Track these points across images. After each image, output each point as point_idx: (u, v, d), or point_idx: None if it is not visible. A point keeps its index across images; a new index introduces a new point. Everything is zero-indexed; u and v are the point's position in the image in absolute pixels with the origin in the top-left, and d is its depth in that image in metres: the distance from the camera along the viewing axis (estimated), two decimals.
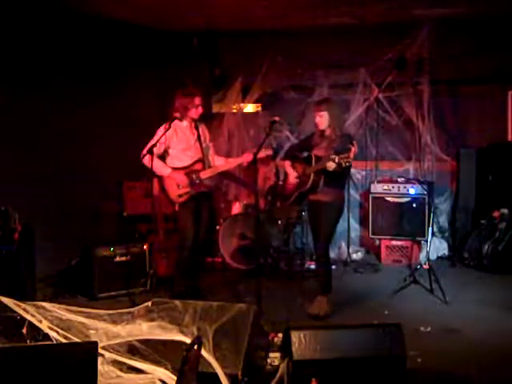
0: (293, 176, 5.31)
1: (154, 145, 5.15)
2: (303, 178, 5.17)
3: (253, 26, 7.29)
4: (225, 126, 7.83)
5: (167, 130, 5.16)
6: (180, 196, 5.29)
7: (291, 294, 5.73)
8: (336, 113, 5.15)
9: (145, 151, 5.16)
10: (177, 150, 5.32)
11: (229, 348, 3.56)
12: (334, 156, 4.76)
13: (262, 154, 5.12)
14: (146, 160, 5.14)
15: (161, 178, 5.32)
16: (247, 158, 5.25)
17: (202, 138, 5.43)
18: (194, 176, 5.31)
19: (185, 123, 5.34)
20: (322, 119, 5.10)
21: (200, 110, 5.32)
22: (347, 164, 4.73)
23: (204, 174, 5.34)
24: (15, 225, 5.07)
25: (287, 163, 5.41)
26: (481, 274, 6.48)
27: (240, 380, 3.47)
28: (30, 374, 2.72)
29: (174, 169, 5.31)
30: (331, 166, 4.80)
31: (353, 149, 4.78)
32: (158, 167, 5.23)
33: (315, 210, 5.19)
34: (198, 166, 5.34)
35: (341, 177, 5.08)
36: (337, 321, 4.92)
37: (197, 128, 5.40)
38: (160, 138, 5.17)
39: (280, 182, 6.94)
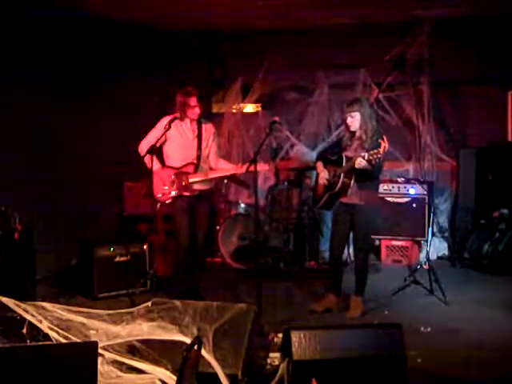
0: (323, 178, 5.14)
1: (154, 145, 5.13)
2: (333, 180, 5.01)
3: (253, 26, 7.30)
4: (225, 126, 7.84)
5: (167, 130, 5.14)
6: (162, 195, 5.24)
7: (291, 293, 5.74)
8: (368, 113, 4.93)
9: (144, 152, 5.14)
10: (170, 148, 5.29)
11: (229, 348, 3.56)
12: (363, 153, 4.64)
13: (258, 167, 4.93)
14: (147, 159, 5.13)
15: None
16: (239, 169, 5.19)
17: (204, 138, 5.34)
18: (181, 178, 5.23)
19: (185, 122, 5.29)
20: (354, 120, 4.92)
21: (197, 110, 5.23)
22: (377, 160, 4.58)
23: (192, 178, 5.23)
24: (15, 225, 5.07)
25: (319, 165, 5.23)
26: (481, 274, 6.48)
27: (240, 380, 3.46)
28: (30, 373, 2.72)
29: (166, 167, 5.28)
30: (361, 163, 4.66)
31: (383, 144, 4.57)
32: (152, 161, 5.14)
33: (349, 212, 5.05)
34: (189, 169, 5.25)
35: (373, 176, 4.91)
36: (337, 321, 4.92)
37: (199, 127, 5.34)
38: (160, 137, 5.15)
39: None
